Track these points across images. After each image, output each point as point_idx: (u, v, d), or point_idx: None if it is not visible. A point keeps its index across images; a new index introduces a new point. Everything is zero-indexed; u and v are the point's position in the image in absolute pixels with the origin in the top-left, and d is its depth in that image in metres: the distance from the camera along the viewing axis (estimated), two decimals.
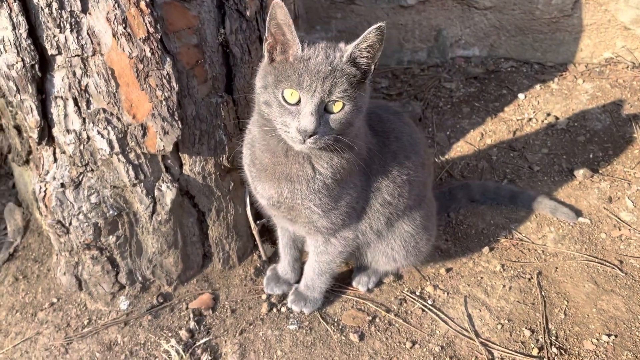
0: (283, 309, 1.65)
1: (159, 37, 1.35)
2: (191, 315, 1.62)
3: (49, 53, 1.36)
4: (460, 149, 2.29)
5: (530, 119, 2.40)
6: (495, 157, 2.23)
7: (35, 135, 1.46)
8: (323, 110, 1.18)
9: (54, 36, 1.33)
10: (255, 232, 1.75)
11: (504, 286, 1.71)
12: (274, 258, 1.82)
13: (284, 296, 1.69)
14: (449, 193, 1.97)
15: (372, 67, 1.22)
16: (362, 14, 2.75)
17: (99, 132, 1.44)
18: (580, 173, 2.10)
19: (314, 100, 1.15)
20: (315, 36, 2.90)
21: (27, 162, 1.68)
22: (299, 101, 1.17)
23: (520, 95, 2.52)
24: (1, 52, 1.35)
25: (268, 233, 1.82)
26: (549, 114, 2.40)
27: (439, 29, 2.73)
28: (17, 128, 1.61)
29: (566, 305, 1.65)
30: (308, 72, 1.16)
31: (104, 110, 1.42)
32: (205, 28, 1.44)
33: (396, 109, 1.58)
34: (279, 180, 1.32)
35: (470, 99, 2.55)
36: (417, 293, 1.70)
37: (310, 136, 1.16)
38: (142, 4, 1.29)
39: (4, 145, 1.72)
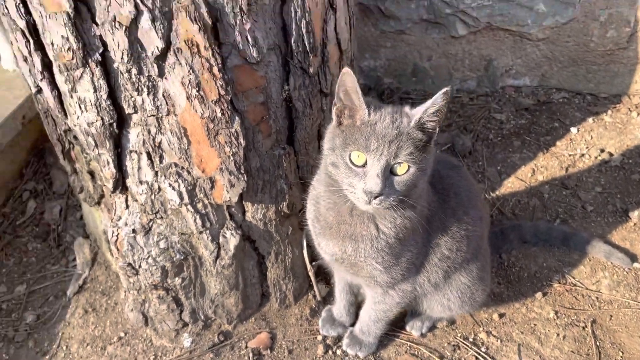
0: (338, 352, 1.70)
1: (229, 98, 1.41)
2: (250, 355, 1.69)
3: (126, 112, 1.44)
4: (511, 185, 2.30)
5: (582, 155, 2.38)
6: (547, 195, 2.23)
7: (110, 185, 1.56)
8: (389, 172, 1.21)
9: (132, 97, 1.41)
10: (311, 274, 1.81)
11: (558, 335, 1.72)
12: (328, 298, 1.87)
13: (339, 338, 1.74)
14: (501, 234, 1.98)
15: (437, 129, 1.25)
16: (412, 43, 2.77)
17: (170, 185, 1.52)
18: (635, 214, 2.08)
19: (380, 162, 1.19)
20: (364, 64, 2.94)
21: (98, 203, 1.78)
22: (366, 163, 1.21)
23: (573, 129, 2.50)
24: (82, 111, 1.44)
25: (322, 273, 1.88)
26: (602, 150, 2.38)
27: (490, 58, 2.73)
28: (91, 173, 1.71)
29: (621, 357, 1.65)
30: (375, 135, 1.20)
31: (176, 165, 1.50)
32: (271, 86, 1.50)
33: (454, 162, 1.61)
34: (344, 238, 1.37)
35: (520, 132, 2.54)
36: (470, 339, 1.72)
37: (375, 197, 1.20)
38: (215, 69, 1.36)
39: (77, 185, 1.82)
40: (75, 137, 1.61)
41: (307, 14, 1.46)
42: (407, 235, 1.37)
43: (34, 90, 1.56)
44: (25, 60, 1.48)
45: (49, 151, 2.37)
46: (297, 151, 1.65)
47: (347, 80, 1.21)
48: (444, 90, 1.19)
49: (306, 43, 1.50)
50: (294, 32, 1.46)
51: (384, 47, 2.82)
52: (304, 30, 1.47)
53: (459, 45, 2.73)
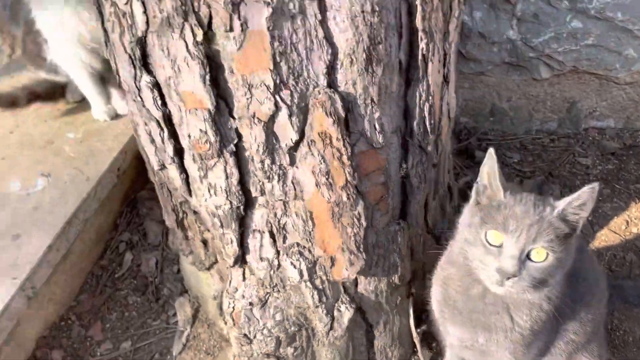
0: None
1: (355, 183, 1.43)
2: None
3: (253, 195, 1.47)
4: (605, 237, 2.26)
5: None
6: None
7: (230, 261, 1.59)
8: (525, 256, 1.21)
9: (260, 182, 1.44)
10: (416, 341, 1.82)
11: None
12: None
13: None
14: None
15: (582, 223, 1.24)
16: (490, 84, 2.75)
17: (291, 263, 1.54)
18: None
19: (517, 244, 1.19)
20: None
21: (208, 269, 1.82)
22: (502, 244, 1.21)
23: None
24: (211, 195, 1.48)
25: (426, 339, 1.88)
26: None
27: (573, 100, 2.69)
28: (204, 242, 1.75)
29: None
30: (515, 217, 1.20)
31: (298, 244, 1.52)
32: (391, 167, 1.51)
33: (580, 243, 1.59)
34: (475, 327, 1.37)
35: (608, 178, 2.49)
36: None
37: (509, 278, 1.19)
38: (344, 158, 1.38)
39: (185, 249, 1.87)
40: (195, 212, 1.65)
41: (430, 97, 1.47)
42: (541, 327, 1.36)
43: (156, 167, 1.60)
44: (153, 142, 1.52)
45: (142, 202, 2.44)
46: (409, 224, 1.65)
47: (490, 161, 1.24)
48: (591, 185, 1.18)
49: (427, 124, 1.50)
50: (416, 115, 1.47)
51: (462, 87, 2.80)
52: (426, 113, 1.48)
53: (541, 87, 2.69)
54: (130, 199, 2.47)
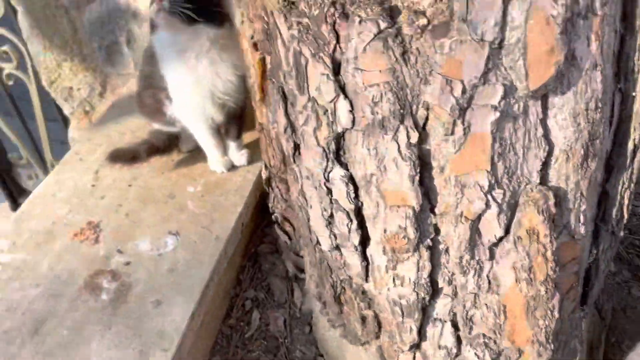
0: None
1: (555, 277, 1.36)
2: None
3: (439, 286, 1.42)
4: None
5: None
6: None
7: (405, 347, 1.54)
8: None
9: (450, 273, 1.38)
10: None
11: None
12: None
13: None
14: None
15: None
16: None
17: (475, 354, 1.48)
18: None
19: None
20: None
21: (362, 344, 1.77)
22: None
23: None
24: (395, 285, 1.43)
25: None
26: None
27: None
28: (362, 318, 1.70)
29: None
30: None
31: (484, 335, 1.46)
32: (583, 255, 1.44)
33: None
34: None
35: None
36: None
37: None
38: (548, 253, 1.31)
39: (336, 321, 1.82)
40: (363, 292, 1.60)
41: (632, 184, 1.39)
42: None
43: (326, 248, 1.56)
44: (329, 226, 1.48)
45: (263, 256, 2.42)
46: (590, 308, 1.58)
47: None
48: None
49: (624, 210, 1.43)
50: (616, 203, 1.40)
51: None
52: (626, 199, 1.41)
53: None
54: (251, 253, 2.45)
